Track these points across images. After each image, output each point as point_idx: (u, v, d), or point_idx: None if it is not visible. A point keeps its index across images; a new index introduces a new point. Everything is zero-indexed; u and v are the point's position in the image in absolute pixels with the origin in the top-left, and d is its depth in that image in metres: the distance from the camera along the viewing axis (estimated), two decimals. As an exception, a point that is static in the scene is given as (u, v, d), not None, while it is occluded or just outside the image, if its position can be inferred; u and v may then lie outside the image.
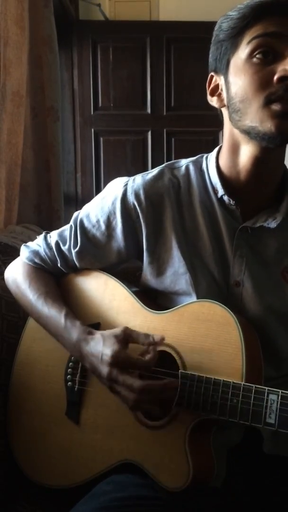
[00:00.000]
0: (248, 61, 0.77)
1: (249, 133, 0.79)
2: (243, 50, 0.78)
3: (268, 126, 0.76)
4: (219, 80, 0.84)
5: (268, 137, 0.76)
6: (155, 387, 0.78)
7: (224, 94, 0.83)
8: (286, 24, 0.75)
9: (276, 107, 0.75)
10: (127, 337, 0.83)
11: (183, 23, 2.65)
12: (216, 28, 0.82)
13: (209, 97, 0.87)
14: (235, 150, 0.84)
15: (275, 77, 0.74)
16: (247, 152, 0.82)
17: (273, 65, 0.75)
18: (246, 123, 0.78)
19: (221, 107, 0.85)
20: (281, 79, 0.74)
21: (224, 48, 0.81)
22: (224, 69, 0.82)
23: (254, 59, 0.77)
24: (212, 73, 0.85)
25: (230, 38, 0.79)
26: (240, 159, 0.84)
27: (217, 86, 0.85)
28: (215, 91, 0.85)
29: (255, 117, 0.77)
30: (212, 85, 0.86)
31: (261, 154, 0.81)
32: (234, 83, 0.79)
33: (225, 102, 0.83)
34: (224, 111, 0.85)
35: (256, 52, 0.76)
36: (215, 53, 0.83)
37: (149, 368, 0.80)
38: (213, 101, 0.86)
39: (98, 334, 0.85)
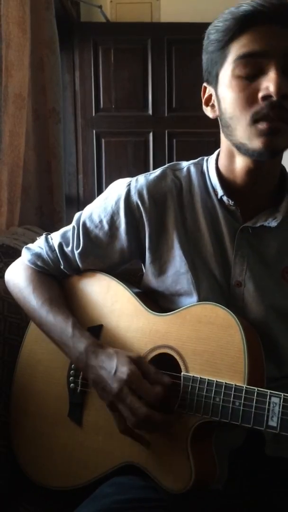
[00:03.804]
0: (234, 78, 0.78)
1: (240, 148, 0.81)
2: (229, 66, 0.79)
3: (256, 143, 0.78)
4: (212, 91, 0.85)
5: (257, 153, 0.79)
6: (157, 420, 0.77)
7: (216, 107, 0.85)
8: (270, 36, 0.75)
9: (262, 126, 0.76)
10: (140, 362, 0.82)
11: (184, 24, 2.65)
12: (205, 37, 0.83)
13: (203, 107, 0.88)
14: (230, 158, 0.86)
15: (259, 95, 0.76)
16: (241, 162, 0.84)
17: (257, 81, 0.76)
18: (236, 139, 0.80)
19: (215, 117, 0.87)
20: (265, 97, 0.75)
21: (213, 61, 0.82)
22: (214, 82, 0.83)
23: (239, 77, 0.77)
24: (205, 84, 0.87)
25: (218, 51, 0.80)
26: (235, 166, 0.86)
27: (210, 96, 0.86)
28: (208, 101, 0.87)
29: (243, 134, 0.78)
30: (206, 95, 0.87)
31: (253, 165, 0.83)
32: (223, 98, 0.81)
33: (218, 114, 0.85)
34: (219, 120, 0.87)
35: (241, 70, 0.77)
36: (206, 64, 0.84)
37: (157, 401, 0.78)
38: (207, 110, 0.88)
39: (110, 349, 0.85)
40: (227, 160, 0.87)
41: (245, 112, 0.77)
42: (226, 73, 0.79)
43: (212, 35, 0.80)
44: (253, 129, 0.77)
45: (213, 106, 0.86)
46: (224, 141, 0.87)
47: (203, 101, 0.88)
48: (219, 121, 0.86)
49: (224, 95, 0.80)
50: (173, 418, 0.78)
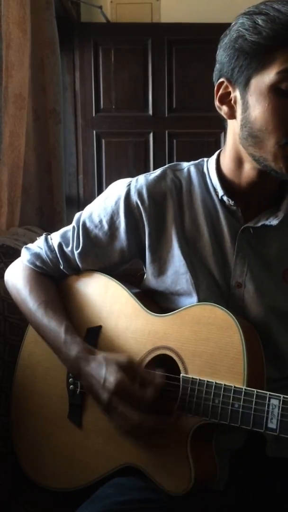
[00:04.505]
0: (275, 90, 0.74)
1: (259, 161, 0.79)
2: (270, 75, 0.74)
3: (280, 165, 0.77)
4: (233, 91, 0.80)
5: (276, 173, 0.78)
6: (152, 424, 0.77)
7: (238, 110, 0.80)
8: None
9: None
10: (130, 367, 0.82)
11: (184, 25, 2.65)
12: (236, 31, 0.76)
13: (217, 103, 0.83)
14: (238, 163, 0.85)
15: None
16: (249, 169, 0.83)
17: None
18: (259, 153, 0.78)
19: (230, 118, 0.82)
20: None
21: (246, 62, 0.76)
22: (242, 84, 0.78)
23: (281, 91, 0.73)
24: (224, 80, 0.80)
25: (256, 54, 0.74)
26: (243, 171, 0.85)
27: (228, 94, 0.81)
28: (225, 98, 0.81)
29: (270, 151, 0.77)
30: (221, 91, 0.81)
31: (262, 173, 0.82)
32: (254, 107, 0.76)
33: (238, 118, 0.80)
34: (233, 122, 0.83)
35: (284, 85, 0.73)
36: (233, 61, 0.77)
37: (148, 404, 0.78)
38: (222, 109, 0.83)
39: (100, 356, 0.84)
40: (233, 164, 0.86)
41: (279, 130, 0.74)
42: (263, 81, 0.74)
43: (250, 36, 0.74)
44: (282, 151, 0.75)
45: (231, 107, 0.81)
46: (233, 145, 0.84)
47: (216, 97, 0.82)
48: (234, 122, 0.82)
49: (255, 104, 0.76)
50: (169, 419, 0.78)
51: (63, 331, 0.89)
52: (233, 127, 0.83)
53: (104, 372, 0.81)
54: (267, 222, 0.85)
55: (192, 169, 0.92)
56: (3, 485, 0.95)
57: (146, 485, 0.82)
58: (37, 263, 1.00)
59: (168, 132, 2.79)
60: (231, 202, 0.86)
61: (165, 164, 0.96)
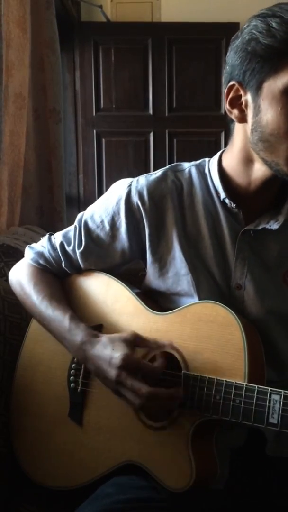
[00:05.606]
0: (286, 95, 0.73)
1: (270, 165, 0.79)
2: (283, 80, 0.73)
3: None
4: (244, 95, 0.79)
5: None
6: (162, 395, 0.78)
7: (249, 114, 0.79)
8: None
9: None
10: (135, 341, 0.83)
11: (184, 24, 2.66)
12: (248, 33, 0.75)
13: (227, 106, 0.81)
14: (248, 164, 0.83)
15: None
16: (259, 171, 0.82)
17: None
18: (271, 157, 0.77)
19: (241, 122, 0.81)
20: None
21: (259, 65, 0.75)
22: (254, 88, 0.76)
23: None
24: (235, 83, 0.79)
25: (270, 58, 0.73)
26: (252, 173, 0.84)
27: (238, 97, 0.79)
28: (235, 101, 0.80)
29: (282, 155, 0.76)
30: (232, 94, 0.80)
31: (273, 176, 0.81)
32: (266, 111, 0.75)
33: (249, 122, 0.79)
34: (244, 126, 0.81)
35: None
36: (245, 64, 0.76)
37: (157, 374, 0.81)
38: (232, 113, 0.81)
39: (104, 338, 0.85)
40: (241, 166, 0.84)
41: None
42: (276, 85, 0.74)
43: (263, 39, 0.73)
44: None
45: (242, 110, 0.80)
46: (243, 148, 0.82)
47: (226, 100, 0.81)
48: (246, 127, 0.80)
49: (268, 108, 0.75)
50: (178, 389, 0.78)
51: (68, 319, 0.90)
52: (244, 131, 0.81)
53: (110, 351, 0.82)
54: (267, 226, 0.84)
55: (193, 170, 0.92)
56: (3, 484, 0.95)
57: (146, 484, 0.82)
58: (41, 262, 1.00)
59: (168, 132, 2.79)
60: (233, 205, 0.85)
61: (165, 164, 0.96)
